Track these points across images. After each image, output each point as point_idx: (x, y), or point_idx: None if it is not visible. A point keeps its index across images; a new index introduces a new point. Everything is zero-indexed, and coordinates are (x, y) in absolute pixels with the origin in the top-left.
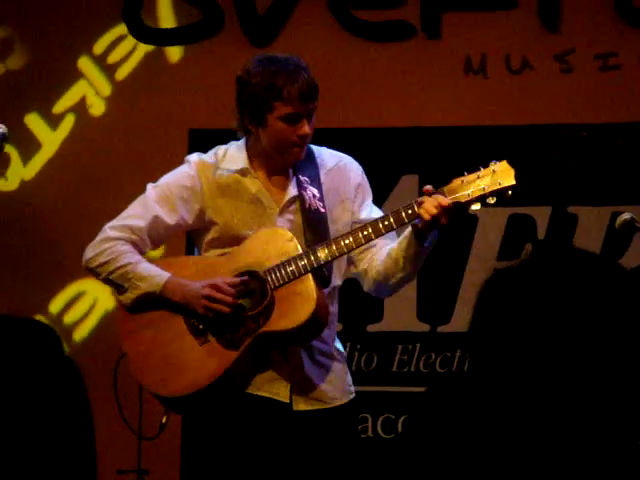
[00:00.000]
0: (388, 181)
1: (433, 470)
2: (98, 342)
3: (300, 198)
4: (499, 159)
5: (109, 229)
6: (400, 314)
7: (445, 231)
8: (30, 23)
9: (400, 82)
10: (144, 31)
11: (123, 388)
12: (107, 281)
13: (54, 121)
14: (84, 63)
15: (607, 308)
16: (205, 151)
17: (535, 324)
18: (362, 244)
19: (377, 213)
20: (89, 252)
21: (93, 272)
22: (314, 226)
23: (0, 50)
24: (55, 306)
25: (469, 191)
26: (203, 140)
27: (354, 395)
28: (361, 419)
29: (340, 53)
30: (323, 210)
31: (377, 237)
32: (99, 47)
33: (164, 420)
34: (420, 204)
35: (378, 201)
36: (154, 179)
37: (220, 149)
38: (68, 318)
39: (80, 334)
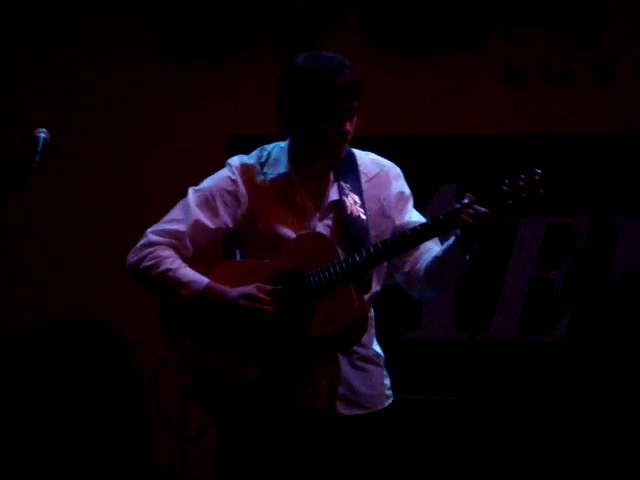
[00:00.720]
0: (427, 189)
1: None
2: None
3: (341, 204)
4: (538, 168)
5: (151, 234)
6: (438, 322)
7: (485, 240)
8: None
9: (440, 91)
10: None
11: (165, 392)
12: (149, 286)
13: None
14: None
15: None
16: (247, 152)
17: None
18: (402, 251)
19: (418, 217)
20: (131, 257)
21: (135, 277)
22: (354, 232)
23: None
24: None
25: (508, 201)
26: (242, 146)
27: (393, 399)
28: (398, 427)
29: (378, 63)
30: (364, 217)
31: (417, 244)
32: None
33: (204, 423)
34: (460, 213)
35: (416, 209)
36: (194, 184)
37: (264, 151)
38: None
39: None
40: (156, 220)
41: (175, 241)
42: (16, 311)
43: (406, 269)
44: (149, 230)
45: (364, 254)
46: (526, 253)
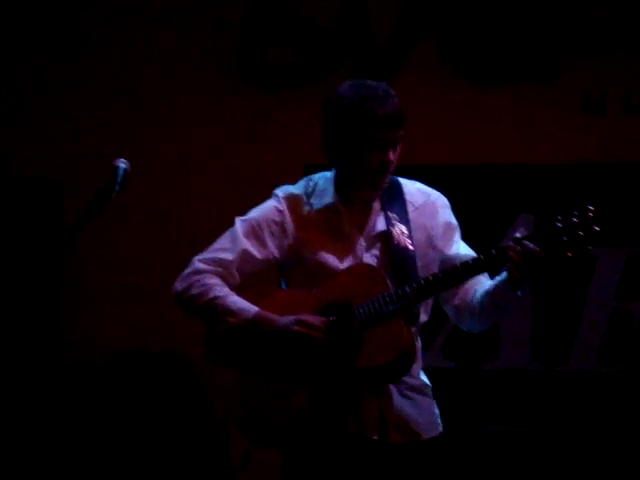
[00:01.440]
0: (504, 219)
1: None
2: None
3: (388, 234)
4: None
5: (198, 261)
6: (516, 353)
7: (563, 269)
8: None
9: (518, 120)
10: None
11: None
12: (196, 314)
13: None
14: None
15: None
16: (294, 183)
17: None
18: (453, 285)
19: (465, 249)
20: (178, 285)
21: (182, 305)
22: (402, 263)
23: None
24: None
25: (563, 237)
26: None
27: (442, 430)
28: (477, 456)
29: (456, 92)
30: (412, 247)
31: (468, 278)
32: None
33: (248, 452)
34: (510, 249)
35: (494, 239)
36: None
37: (310, 181)
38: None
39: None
40: None
41: (222, 269)
42: (94, 339)
43: (455, 302)
44: (196, 258)
45: (415, 286)
46: (605, 283)
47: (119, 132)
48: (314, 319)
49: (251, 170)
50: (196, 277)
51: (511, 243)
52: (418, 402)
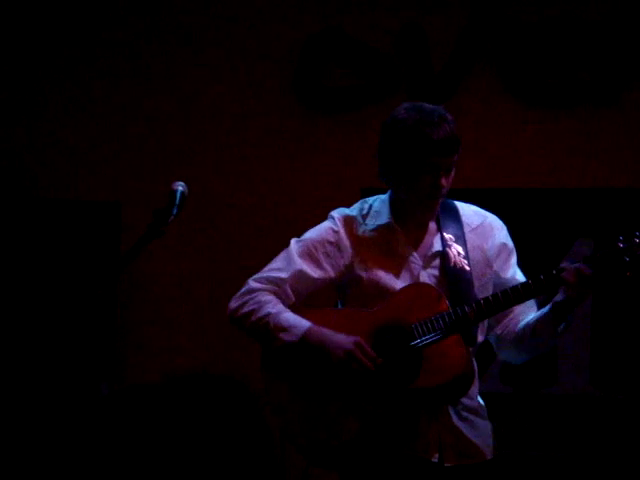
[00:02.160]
0: (563, 244)
1: None
2: None
3: (444, 254)
4: None
5: (252, 281)
6: (575, 378)
7: (623, 291)
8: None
9: (577, 144)
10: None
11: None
12: (250, 332)
13: None
14: None
15: None
16: (350, 205)
17: None
18: (512, 306)
19: (520, 276)
20: (233, 303)
21: (237, 323)
22: (458, 284)
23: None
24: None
25: (625, 258)
26: None
27: (496, 453)
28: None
29: (514, 116)
30: (468, 268)
31: (526, 300)
32: None
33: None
34: (562, 272)
35: (551, 264)
36: None
37: (365, 203)
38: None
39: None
40: None
41: (277, 288)
42: (151, 362)
43: (498, 331)
44: (251, 278)
45: (474, 306)
46: None
47: (177, 155)
48: (360, 350)
49: (307, 193)
50: (250, 295)
51: (562, 266)
52: (475, 424)
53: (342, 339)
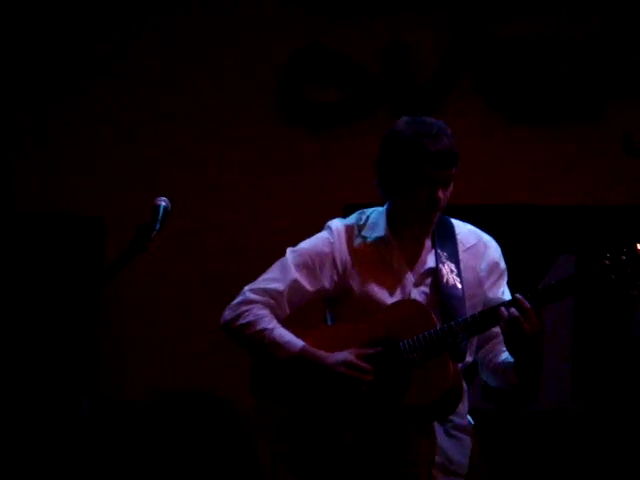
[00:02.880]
0: (546, 260)
1: None
2: None
3: (437, 271)
4: None
5: (249, 292)
6: (556, 395)
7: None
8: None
9: (560, 161)
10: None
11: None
12: (243, 344)
13: None
14: None
15: None
16: (346, 216)
17: None
18: (494, 325)
19: (508, 297)
20: (227, 313)
21: (230, 333)
22: (449, 301)
23: None
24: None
25: (611, 275)
26: None
27: (484, 471)
28: None
29: (497, 132)
30: (459, 286)
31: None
32: None
33: None
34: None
35: (535, 279)
36: None
37: (362, 214)
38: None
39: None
40: None
41: (272, 301)
42: (133, 379)
43: (480, 355)
44: (247, 288)
45: (460, 322)
46: None
47: (161, 170)
48: (360, 360)
49: (291, 209)
50: (246, 307)
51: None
52: (463, 441)
53: (337, 356)
